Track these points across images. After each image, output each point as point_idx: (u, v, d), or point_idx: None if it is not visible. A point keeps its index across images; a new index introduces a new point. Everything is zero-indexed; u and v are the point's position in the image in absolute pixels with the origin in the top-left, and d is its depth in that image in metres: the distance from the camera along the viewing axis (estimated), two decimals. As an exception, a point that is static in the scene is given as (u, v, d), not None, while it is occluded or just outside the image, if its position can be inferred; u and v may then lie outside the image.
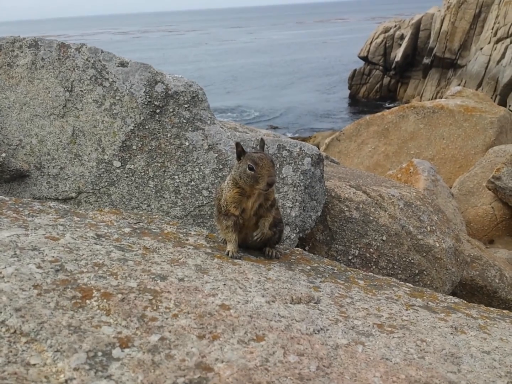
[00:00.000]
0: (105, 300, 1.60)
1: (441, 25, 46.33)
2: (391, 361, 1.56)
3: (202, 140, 4.34)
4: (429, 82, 46.92)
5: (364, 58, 51.92)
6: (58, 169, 4.14)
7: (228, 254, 2.54)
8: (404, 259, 5.56)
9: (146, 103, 4.28)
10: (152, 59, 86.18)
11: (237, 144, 2.65)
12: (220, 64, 79.55)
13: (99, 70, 4.27)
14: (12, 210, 2.27)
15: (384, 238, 5.48)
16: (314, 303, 1.95)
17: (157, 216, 2.94)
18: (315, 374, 1.40)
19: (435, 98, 40.40)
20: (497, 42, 42.32)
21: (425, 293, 2.40)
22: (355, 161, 17.56)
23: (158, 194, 4.20)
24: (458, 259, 6.15)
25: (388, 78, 50.96)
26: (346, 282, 2.33)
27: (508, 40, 41.11)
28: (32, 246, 1.89)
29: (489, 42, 43.12)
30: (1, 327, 1.35)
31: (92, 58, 4.29)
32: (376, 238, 5.45)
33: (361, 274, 2.60)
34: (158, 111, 4.31)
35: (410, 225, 5.72)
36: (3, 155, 3.88)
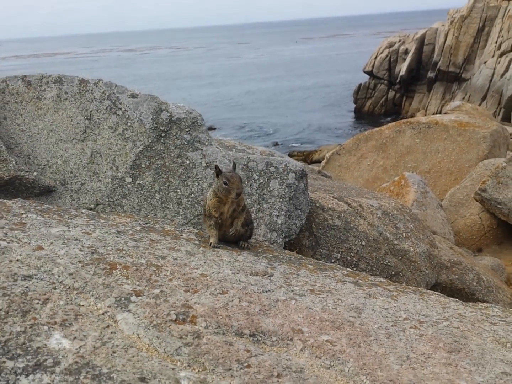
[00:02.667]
0: (125, 270, 2.37)
1: (445, 40, 46.70)
2: (312, 309, 2.30)
3: (201, 159, 5.11)
4: (433, 95, 47.27)
5: (369, 73, 52.50)
6: (79, 185, 4.92)
7: (210, 245, 3.34)
8: (381, 262, 6.26)
9: (153, 128, 5.07)
10: (162, 75, 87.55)
11: (216, 166, 3.52)
12: (230, 80, 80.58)
13: (113, 101, 5.07)
14: (56, 214, 3.07)
15: (363, 243, 6.20)
16: (268, 276, 2.72)
17: (160, 219, 3.74)
18: (258, 312, 2.17)
19: (440, 112, 40.70)
20: (501, 55, 42.75)
21: (360, 275, 3.14)
22: (355, 174, 18.14)
23: (163, 205, 4.96)
24: (433, 263, 6.85)
25: (393, 92, 51.31)
26: (298, 266, 3.10)
27: (512, 53, 41.66)
28: (74, 237, 2.67)
29: (493, 56, 43.54)
30: (60, 285, 2.13)
31: (108, 91, 5.09)
32: (356, 243, 6.17)
33: (312, 261, 3.37)
34: (163, 135, 5.09)
35: (387, 232, 6.44)
36: (35, 173, 4.67)
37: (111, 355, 1.74)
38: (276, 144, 41.03)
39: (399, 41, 53.62)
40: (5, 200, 3.34)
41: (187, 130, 5.18)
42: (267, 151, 8.11)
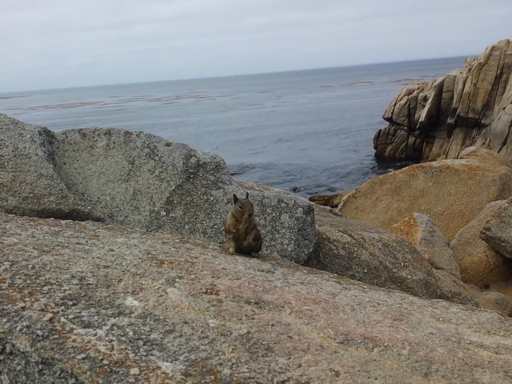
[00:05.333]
0: (170, 264, 3.37)
1: (464, 87, 47.34)
2: (300, 292, 3.25)
3: (223, 196, 6.13)
4: (454, 141, 47.73)
5: (389, 119, 53.31)
6: (123, 217, 5.96)
7: (229, 253, 4.33)
8: (382, 288, 7.11)
9: (183, 170, 6.12)
10: (188, 123, 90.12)
11: (234, 195, 4.58)
12: (253, 127, 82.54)
13: (152, 149, 6.16)
14: (118, 230, 4.12)
15: (365, 271, 7.07)
16: (271, 273, 3.68)
17: (192, 236, 4.77)
18: (261, 291, 3.14)
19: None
20: (519, 101, 43.54)
21: (343, 278, 4.08)
22: (371, 216, 18.81)
23: (191, 234, 5.96)
24: (429, 290, 7.66)
25: (413, 137, 51.76)
26: (295, 270, 4.06)
27: (530, 99, 42.40)
28: (134, 244, 3.70)
29: (511, 102, 44.34)
30: (128, 272, 3.13)
31: (147, 141, 6.19)
32: (358, 270, 7.05)
33: (307, 269, 4.32)
34: (192, 176, 6.14)
35: (387, 261, 7.32)
36: (89, 207, 5.74)
37: (165, 310, 2.71)
38: (295, 189, 41.98)
39: (418, 88, 54.46)
40: (79, 221, 4.41)
41: (211, 172, 6.22)
42: (282, 191, 9.13)
